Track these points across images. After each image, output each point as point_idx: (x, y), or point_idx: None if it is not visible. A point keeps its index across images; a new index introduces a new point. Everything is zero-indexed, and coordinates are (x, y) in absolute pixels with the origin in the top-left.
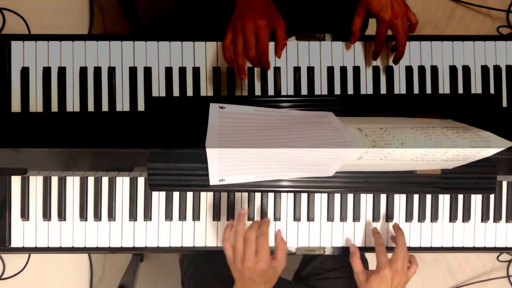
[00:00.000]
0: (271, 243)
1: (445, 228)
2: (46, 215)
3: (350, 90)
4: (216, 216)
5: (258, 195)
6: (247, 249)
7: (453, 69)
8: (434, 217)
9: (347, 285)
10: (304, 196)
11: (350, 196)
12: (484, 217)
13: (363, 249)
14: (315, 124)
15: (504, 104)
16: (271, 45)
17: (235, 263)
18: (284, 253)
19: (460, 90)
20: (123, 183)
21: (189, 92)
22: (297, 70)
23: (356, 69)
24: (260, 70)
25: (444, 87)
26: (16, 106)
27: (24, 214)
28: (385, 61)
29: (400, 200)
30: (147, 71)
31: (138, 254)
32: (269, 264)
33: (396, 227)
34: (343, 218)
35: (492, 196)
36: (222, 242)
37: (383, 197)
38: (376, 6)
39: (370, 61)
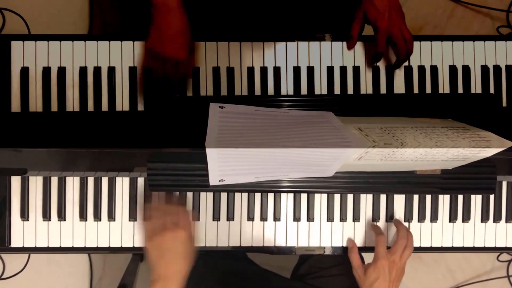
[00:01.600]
0: None
1: (445, 228)
2: (46, 215)
3: (350, 90)
4: (216, 216)
5: (258, 195)
6: (168, 219)
7: (453, 69)
8: (434, 217)
9: (344, 283)
10: (304, 196)
11: (350, 196)
12: (484, 217)
13: (363, 249)
14: (315, 124)
15: (504, 104)
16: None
17: (154, 237)
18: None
19: (460, 90)
20: (123, 183)
21: (189, 92)
22: (297, 70)
23: (356, 69)
24: (260, 70)
25: (444, 87)
26: (16, 106)
27: (24, 214)
28: (385, 61)
29: (400, 200)
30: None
31: (138, 254)
32: (191, 236)
33: (397, 221)
34: (343, 218)
35: (492, 196)
36: (144, 220)
37: (383, 197)
38: (373, 14)
39: (370, 61)
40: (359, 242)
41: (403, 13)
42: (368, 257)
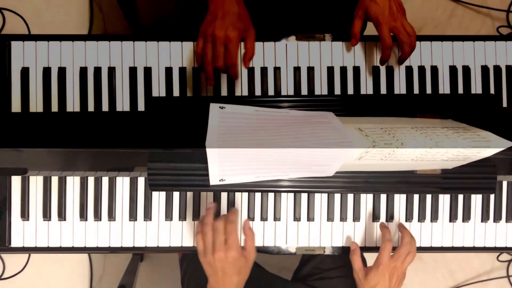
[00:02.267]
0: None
1: (445, 228)
2: (46, 215)
3: (350, 90)
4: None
5: (258, 195)
6: (217, 239)
7: (453, 69)
8: (434, 217)
9: (346, 285)
10: (304, 196)
11: (350, 196)
12: (484, 217)
13: (363, 249)
14: (315, 124)
15: (504, 104)
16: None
17: (206, 255)
18: (253, 242)
19: (460, 90)
20: (123, 183)
21: (189, 92)
22: (297, 70)
23: (356, 69)
24: (260, 70)
25: (444, 87)
26: (16, 106)
27: (24, 214)
28: None
29: (400, 200)
30: (147, 71)
31: (138, 254)
32: (239, 252)
33: (402, 226)
34: (343, 218)
35: (492, 196)
36: (195, 236)
37: (383, 197)
38: (374, 10)
39: (370, 61)
40: (359, 242)
41: (404, 8)
42: (368, 256)
